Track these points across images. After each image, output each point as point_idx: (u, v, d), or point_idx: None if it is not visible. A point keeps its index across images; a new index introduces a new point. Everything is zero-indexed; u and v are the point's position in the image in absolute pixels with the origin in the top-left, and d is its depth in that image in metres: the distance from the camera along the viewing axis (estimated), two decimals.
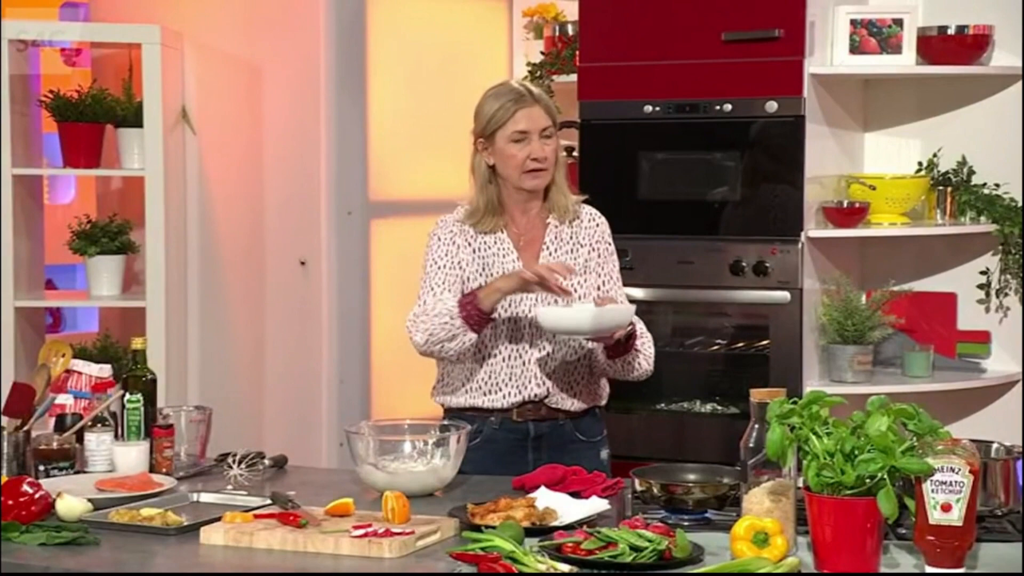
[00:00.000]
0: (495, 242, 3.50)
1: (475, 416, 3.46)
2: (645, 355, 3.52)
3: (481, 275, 3.47)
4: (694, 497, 2.88)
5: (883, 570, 2.51)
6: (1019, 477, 2.84)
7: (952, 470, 2.47)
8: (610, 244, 3.59)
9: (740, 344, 4.81)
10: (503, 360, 3.46)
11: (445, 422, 3.33)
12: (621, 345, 3.42)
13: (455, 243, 3.50)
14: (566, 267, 3.38)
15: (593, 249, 3.54)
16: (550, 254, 3.50)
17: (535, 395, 3.46)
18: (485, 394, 3.48)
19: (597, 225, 3.58)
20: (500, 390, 3.47)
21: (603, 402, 3.61)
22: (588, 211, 3.59)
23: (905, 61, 4.80)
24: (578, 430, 3.52)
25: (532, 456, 3.45)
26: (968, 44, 4.79)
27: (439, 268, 3.49)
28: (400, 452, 3.15)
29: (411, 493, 2.95)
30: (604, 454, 3.58)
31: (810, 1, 4.59)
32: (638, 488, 2.95)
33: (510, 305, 3.45)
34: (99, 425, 3.37)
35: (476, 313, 3.34)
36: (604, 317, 3.24)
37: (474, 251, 3.50)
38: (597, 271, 3.54)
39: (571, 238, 3.53)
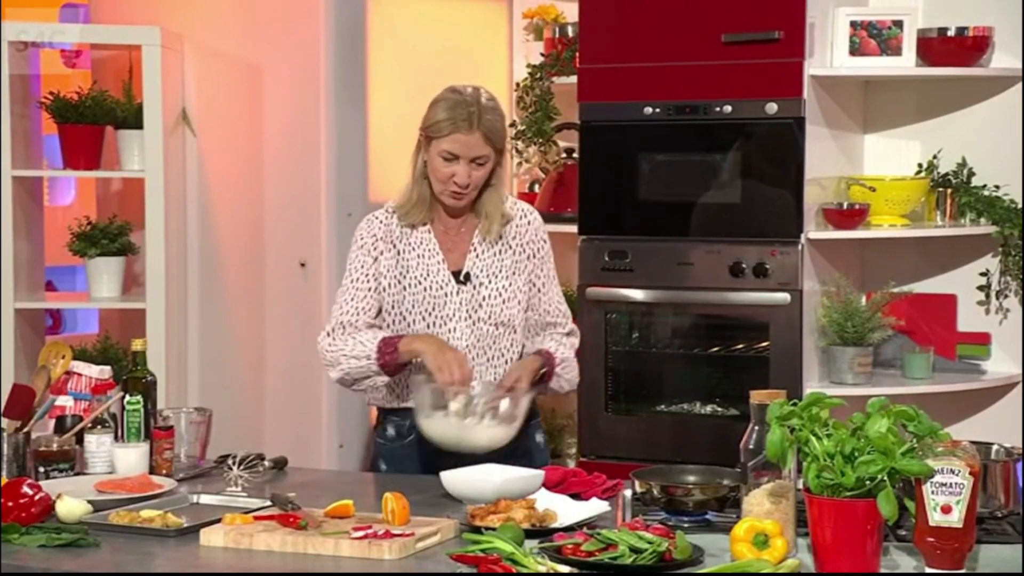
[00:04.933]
0: (420, 242, 3.48)
1: (407, 413, 3.44)
2: (566, 379, 3.54)
3: (403, 279, 3.46)
4: (694, 499, 2.88)
5: (883, 571, 2.51)
6: (1019, 479, 2.84)
7: (952, 472, 2.47)
8: (544, 243, 3.57)
9: (740, 346, 4.81)
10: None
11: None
12: (538, 383, 3.46)
13: (376, 249, 3.48)
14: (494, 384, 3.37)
15: (522, 251, 3.52)
16: (476, 256, 3.48)
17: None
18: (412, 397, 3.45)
19: (529, 223, 3.55)
20: None
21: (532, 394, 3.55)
22: (521, 209, 3.56)
23: (905, 63, 4.80)
24: None
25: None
26: (968, 46, 4.79)
27: (354, 282, 3.48)
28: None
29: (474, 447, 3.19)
30: (539, 437, 3.59)
31: (810, 3, 4.59)
32: (638, 490, 2.95)
33: (433, 309, 3.44)
34: (99, 427, 3.37)
35: (393, 362, 3.37)
36: (508, 487, 3.05)
37: (398, 252, 3.48)
38: (532, 273, 3.53)
39: (499, 240, 3.50)
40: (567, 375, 3.54)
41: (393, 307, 3.48)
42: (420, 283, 3.46)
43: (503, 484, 3.02)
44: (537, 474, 3.11)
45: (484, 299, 3.46)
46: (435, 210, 3.50)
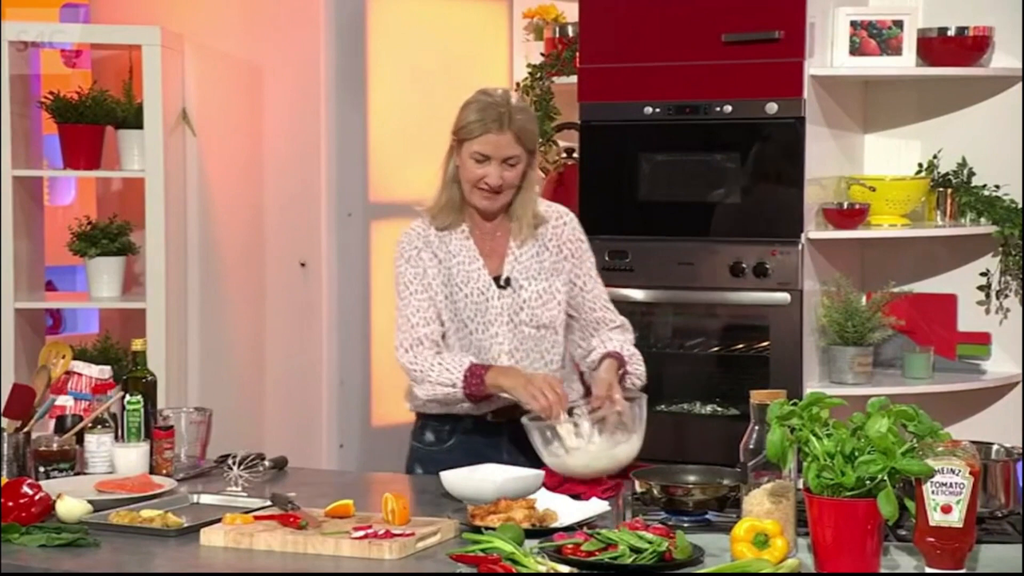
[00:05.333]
0: (460, 249, 3.48)
1: (448, 419, 3.45)
2: (638, 374, 3.51)
3: (446, 286, 3.46)
4: (694, 498, 2.89)
5: (883, 571, 2.51)
6: (1019, 479, 2.84)
7: (952, 472, 2.47)
8: (582, 241, 3.57)
9: (740, 345, 4.81)
10: None
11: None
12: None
13: (421, 259, 3.48)
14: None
15: (559, 251, 3.51)
16: (515, 259, 3.48)
17: (508, 402, 3.40)
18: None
19: (565, 224, 3.55)
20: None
21: (579, 401, 3.50)
22: (556, 211, 3.56)
23: (905, 62, 4.80)
24: None
25: (507, 456, 3.39)
26: (968, 45, 4.79)
27: (413, 294, 3.47)
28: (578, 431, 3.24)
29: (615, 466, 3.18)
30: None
31: (810, 2, 4.59)
32: (638, 489, 2.95)
33: (476, 315, 3.44)
34: (99, 426, 3.37)
35: (479, 393, 3.35)
36: (508, 487, 3.04)
37: (439, 261, 3.48)
38: (572, 273, 3.52)
39: (536, 242, 3.50)
40: (637, 370, 3.51)
41: (443, 313, 3.47)
42: (462, 289, 3.46)
43: (503, 484, 3.02)
44: (537, 474, 3.11)
45: (524, 302, 3.45)
46: (467, 214, 3.50)
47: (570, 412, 3.28)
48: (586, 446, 3.23)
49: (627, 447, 3.27)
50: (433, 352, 3.43)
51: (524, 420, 3.26)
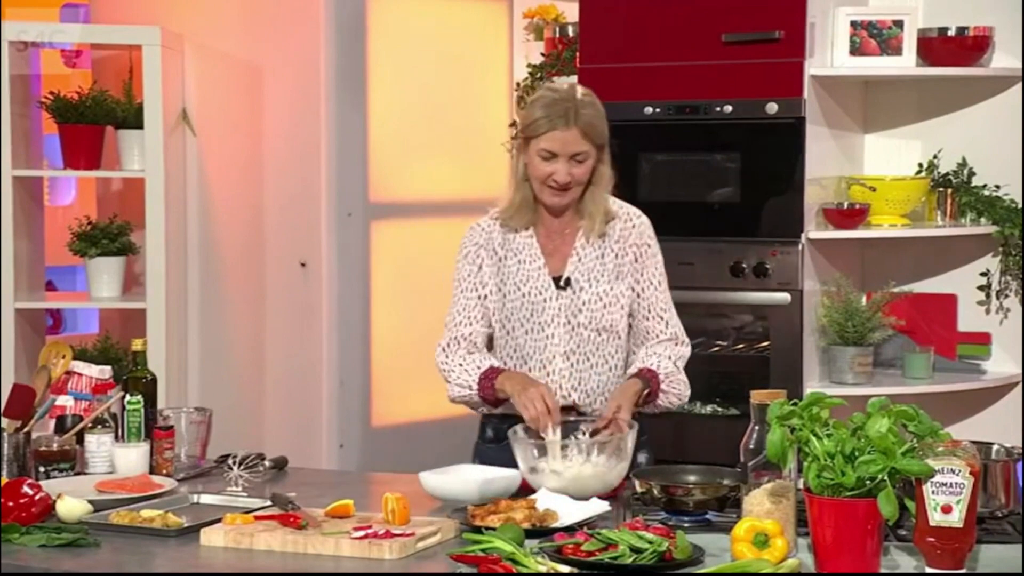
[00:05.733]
0: (523, 247, 3.44)
1: (507, 419, 3.36)
2: (674, 394, 3.42)
3: (503, 285, 3.43)
4: (694, 498, 2.88)
5: (883, 571, 2.50)
6: (1019, 479, 2.84)
7: (952, 472, 2.47)
8: (650, 245, 3.46)
9: (740, 345, 4.81)
10: (529, 371, 3.39)
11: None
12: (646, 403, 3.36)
13: (479, 257, 3.46)
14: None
15: (625, 254, 3.43)
16: (579, 260, 3.42)
17: (563, 404, 3.36)
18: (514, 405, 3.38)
19: (634, 227, 3.46)
20: None
21: (643, 407, 3.47)
22: (627, 212, 3.47)
23: (905, 62, 4.80)
24: None
25: None
26: (968, 45, 4.79)
27: (463, 292, 3.46)
28: (564, 453, 3.11)
29: (590, 493, 2.99)
30: (641, 458, 3.43)
31: (810, 2, 4.59)
32: (638, 489, 2.95)
33: (532, 315, 3.41)
34: (99, 426, 3.37)
35: (493, 396, 3.34)
36: (490, 487, 3.03)
37: (500, 258, 3.44)
38: (632, 278, 3.44)
39: (602, 243, 3.43)
40: (674, 390, 3.42)
41: (495, 314, 3.45)
42: (519, 288, 3.42)
43: (484, 485, 3.02)
44: (514, 475, 3.09)
45: (584, 304, 3.39)
46: (539, 212, 3.45)
47: (572, 428, 3.19)
48: (564, 471, 3.08)
49: (597, 482, 3.07)
50: (464, 353, 3.42)
51: (511, 432, 3.16)
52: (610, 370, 3.43)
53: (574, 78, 4.98)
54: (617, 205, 3.47)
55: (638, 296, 3.45)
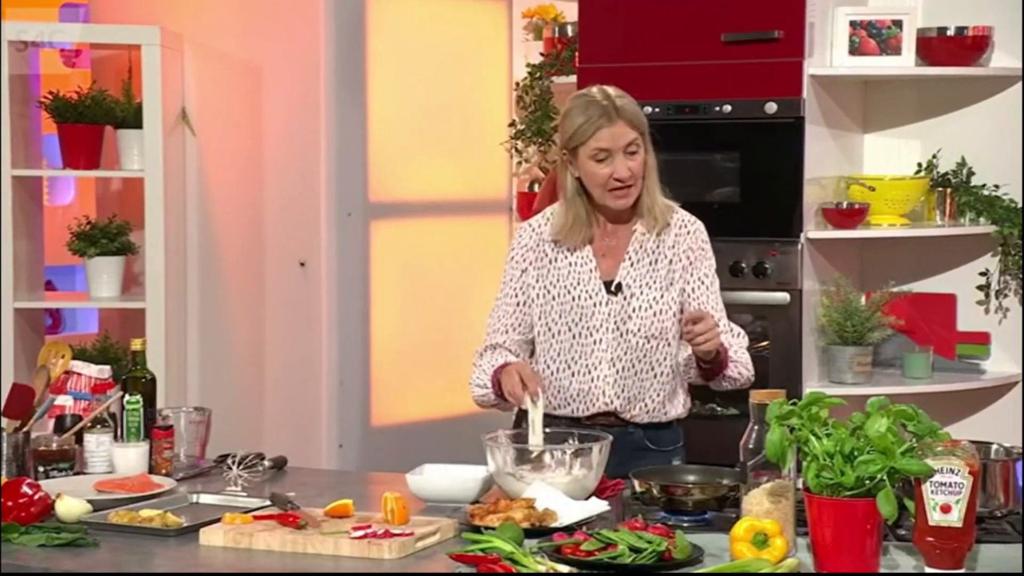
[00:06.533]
0: (573, 251, 3.41)
1: (545, 419, 3.30)
2: (743, 363, 3.40)
3: (552, 288, 3.39)
4: (693, 498, 2.88)
5: (883, 571, 2.51)
6: (1019, 478, 2.84)
7: (952, 471, 2.47)
8: (704, 249, 3.43)
9: None
10: (572, 375, 3.39)
11: (584, 431, 3.19)
12: (715, 364, 3.32)
13: (525, 260, 3.44)
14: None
15: (678, 260, 3.40)
16: (631, 264, 3.38)
17: (604, 410, 3.38)
18: (556, 408, 3.39)
19: (688, 233, 3.43)
20: (569, 404, 3.39)
21: (682, 414, 3.49)
22: (680, 218, 3.44)
23: (904, 62, 4.80)
24: (648, 439, 3.41)
25: None
26: (968, 45, 4.79)
27: (504, 297, 3.46)
28: (539, 462, 3.03)
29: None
30: (676, 463, 3.43)
31: (810, 2, 4.59)
32: (638, 489, 2.95)
33: (580, 319, 3.37)
34: (98, 426, 3.37)
35: (502, 391, 3.32)
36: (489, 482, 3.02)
37: (550, 262, 3.41)
38: (684, 281, 3.40)
39: (655, 249, 3.40)
40: (743, 359, 3.39)
41: (540, 317, 3.42)
42: (569, 292, 3.39)
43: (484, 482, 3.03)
44: (478, 473, 3.08)
45: (634, 311, 3.36)
46: (593, 227, 3.41)
47: (554, 440, 3.13)
48: (544, 472, 3.01)
49: (569, 483, 2.98)
50: (491, 357, 3.41)
51: (487, 437, 3.09)
52: (655, 377, 3.41)
53: (573, 78, 4.99)
54: (673, 210, 3.43)
55: (688, 295, 3.40)
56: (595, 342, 3.38)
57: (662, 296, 3.38)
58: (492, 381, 3.36)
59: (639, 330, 3.36)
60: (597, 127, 3.29)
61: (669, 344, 3.40)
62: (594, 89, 3.38)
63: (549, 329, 3.42)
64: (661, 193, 3.41)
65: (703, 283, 3.42)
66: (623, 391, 3.38)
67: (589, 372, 3.38)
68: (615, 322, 3.37)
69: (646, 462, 3.23)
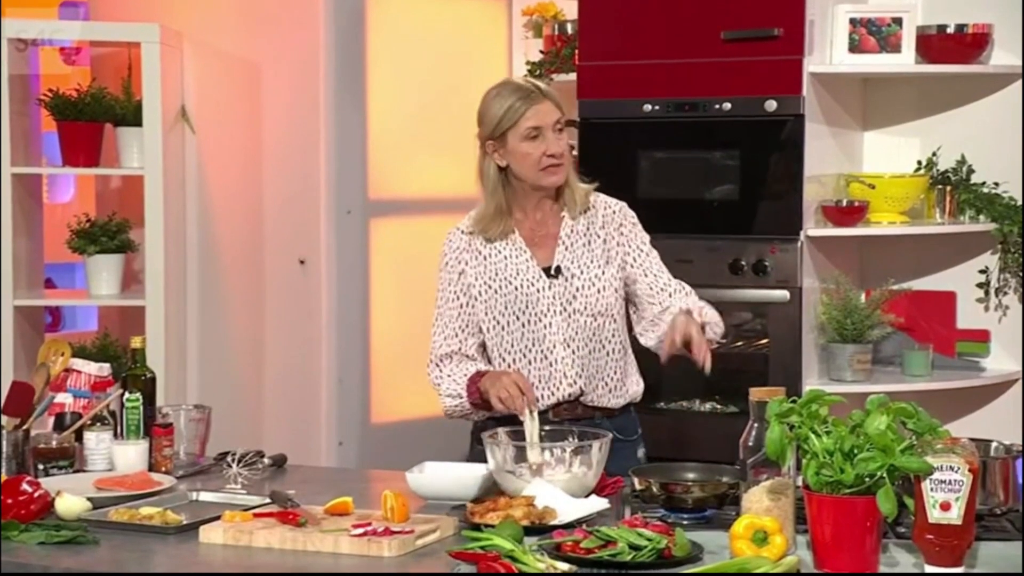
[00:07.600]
0: (506, 244, 3.45)
1: (500, 421, 3.32)
2: (715, 321, 3.40)
3: (493, 282, 3.43)
4: (693, 496, 2.88)
5: (882, 569, 2.51)
6: (1018, 476, 2.84)
7: (951, 469, 2.47)
8: (635, 223, 3.51)
9: (739, 343, 4.81)
10: (530, 363, 3.41)
11: (584, 428, 3.20)
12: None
13: (460, 262, 3.47)
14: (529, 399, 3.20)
15: (611, 238, 3.46)
16: (566, 248, 3.44)
17: (568, 395, 3.40)
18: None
19: (615, 213, 3.49)
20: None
21: (637, 399, 3.53)
22: (604, 200, 3.51)
23: (904, 60, 4.80)
24: (615, 429, 3.39)
25: None
26: (967, 43, 4.79)
27: (445, 303, 3.48)
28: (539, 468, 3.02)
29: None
30: (641, 453, 3.51)
31: (809, 0, 4.59)
32: (637, 487, 2.95)
33: (527, 306, 3.41)
34: (98, 424, 3.37)
35: (480, 401, 3.33)
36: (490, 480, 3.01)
37: (484, 258, 3.45)
38: (622, 256, 3.45)
39: (586, 230, 3.46)
40: (711, 318, 3.39)
41: (487, 312, 3.44)
42: (511, 282, 3.42)
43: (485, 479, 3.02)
44: (478, 468, 3.09)
45: (578, 290, 3.41)
46: (516, 215, 3.45)
47: (554, 438, 3.13)
48: (543, 469, 3.01)
49: (569, 481, 2.99)
50: (452, 366, 3.42)
51: (486, 435, 3.09)
52: (608, 355, 3.45)
53: (573, 76, 4.98)
54: (592, 193, 3.51)
55: (630, 265, 3.47)
56: (545, 326, 3.41)
57: (603, 273, 3.44)
58: (468, 390, 3.36)
59: (585, 309, 3.41)
60: (527, 106, 3.35)
61: (615, 321, 3.46)
62: (507, 78, 3.47)
63: (498, 322, 3.44)
64: (578, 180, 3.49)
65: (641, 250, 3.49)
66: (583, 369, 3.41)
67: (546, 356, 3.41)
68: (561, 304, 3.41)
69: (615, 454, 3.16)
